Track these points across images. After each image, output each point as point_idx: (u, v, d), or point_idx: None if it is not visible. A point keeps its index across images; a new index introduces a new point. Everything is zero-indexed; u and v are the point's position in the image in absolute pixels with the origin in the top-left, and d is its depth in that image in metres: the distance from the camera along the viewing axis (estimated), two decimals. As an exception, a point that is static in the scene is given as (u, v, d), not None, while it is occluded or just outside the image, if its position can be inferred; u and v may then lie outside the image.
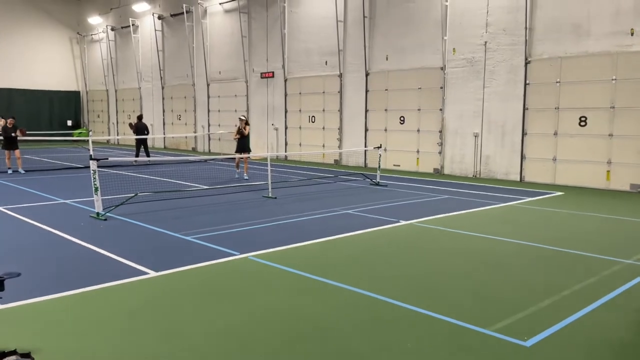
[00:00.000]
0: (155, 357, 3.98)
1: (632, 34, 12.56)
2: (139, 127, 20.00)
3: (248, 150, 15.02)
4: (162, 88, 28.55)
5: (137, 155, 20.02)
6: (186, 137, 26.91)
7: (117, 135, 31.82)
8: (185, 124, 27.30)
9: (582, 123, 13.53)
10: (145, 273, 6.04)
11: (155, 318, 4.75)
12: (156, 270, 6.12)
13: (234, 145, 24.12)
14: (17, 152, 16.02)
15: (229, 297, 5.31)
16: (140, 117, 20.68)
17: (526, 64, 14.43)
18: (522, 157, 14.75)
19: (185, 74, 26.71)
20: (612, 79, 12.95)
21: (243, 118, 14.94)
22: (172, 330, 4.46)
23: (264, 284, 5.73)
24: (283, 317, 4.77)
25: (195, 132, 26.48)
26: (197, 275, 6.03)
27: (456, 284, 5.78)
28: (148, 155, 19.93)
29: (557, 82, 13.92)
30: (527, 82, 14.47)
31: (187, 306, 5.06)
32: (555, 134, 14.02)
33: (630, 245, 7.39)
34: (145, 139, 20.11)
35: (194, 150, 26.87)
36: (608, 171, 13.12)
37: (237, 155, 14.77)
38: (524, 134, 14.66)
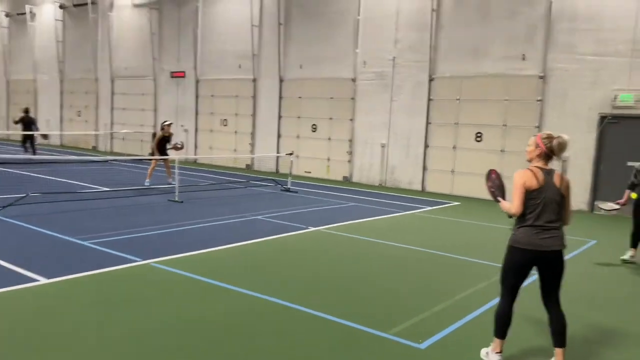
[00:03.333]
0: (43, 370, 3.71)
1: (523, 59, 13.76)
2: (27, 122, 18.64)
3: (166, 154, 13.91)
4: (61, 82, 26.68)
5: (25, 149, 18.71)
6: (86, 135, 25.33)
7: (7, 129, 29.19)
8: (86, 121, 25.70)
9: (478, 138, 14.57)
10: (35, 280, 5.61)
11: (44, 329, 4.43)
12: (47, 277, 5.70)
13: (138, 146, 23.25)
14: None
15: (128, 306, 5.08)
16: (26, 111, 19.33)
17: (430, 81, 15.28)
18: (424, 168, 15.56)
19: (88, 68, 25.18)
20: (505, 99, 14.09)
21: (169, 123, 13.73)
22: (63, 342, 4.18)
23: (166, 292, 5.55)
24: (184, 325, 4.65)
25: (97, 130, 25.00)
26: (94, 283, 5.70)
27: (358, 289, 5.97)
28: (34, 153, 18.56)
29: (457, 100, 14.88)
30: (431, 97, 15.32)
31: (82, 315, 4.77)
32: (454, 147, 14.97)
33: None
34: (32, 135, 18.68)
35: (95, 149, 25.36)
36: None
37: (155, 158, 13.44)
38: (426, 146, 15.49)
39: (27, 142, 18.65)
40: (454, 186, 15.00)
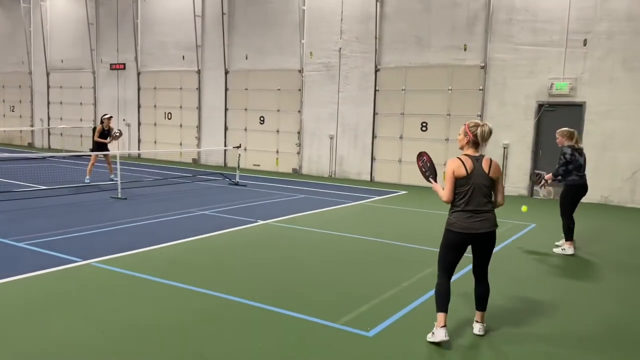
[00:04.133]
0: (-28, 383, 3.48)
1: (465, 49, 14.12)
2: None
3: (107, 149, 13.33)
4: (-8, 75, 25.13)
5: None
6: (21, 131, 24.01)
7: None
8: (20, 116, 24.37)
9: (424, 128, 14.86)
10: (-37, 287, 5.25)
11: (-27, 338, 4.15)
12: (-23, 283, 5.35)
13: (77, 141, 22.25)
14: None
15: (68, 309, 4.84)
16: None
17: (376, 71, 15.43)
18: (372, 158, 15.74)
19: (21, 60, 23.84)
20: (449, 89, 14.42)
21: (109, 116, 13.18)
22: (-5, 351, 3.94)
23: (108, 292, 5.33)
24: (130, 325, 4.48)
25: (32, 125, 23.74)
26: (31, 286, 5.41)
27: (307, 280, 5.96)
28: None
29: (402, 90, 15.11)
30: (377, 88, 15.48)
31: (15, 321, 4.50)
32: (401, 137, 15.21)
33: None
34: None
35: (31, 145, 24.10)
36: (444, 172, 14.55)
37: (95, 154, 12.78)
38: (374, 137, 15.66)
39: None
40: (402, 175, 15.26)
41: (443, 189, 4.42)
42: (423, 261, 6.86)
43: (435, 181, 4.67)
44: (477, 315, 4.57)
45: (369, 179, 15.77)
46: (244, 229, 8.52)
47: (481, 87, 13.93)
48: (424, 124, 14.84)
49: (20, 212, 9.09)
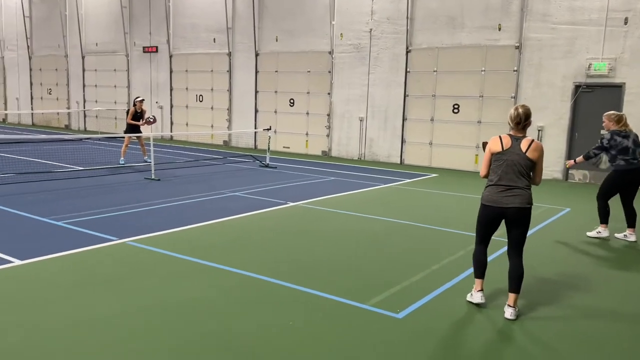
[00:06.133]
0: (20, 351, 3.66)
1: (499, 29, 13.75)
2: None
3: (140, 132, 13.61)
4: (30, 58, 25.83)
5: None
6: (58, 113, 24.69)
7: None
8: (57, 98, 25.02)
9: (455, 110, 14.61)
10: (9, 262, 5.50)
11: (19, 309, 4.35)
12: (21, 259, 5.59)
13: (112, 123, 22.73)
14: None
15: (105, 285, 5.02)
16: None
17: (407, 52, 15.19)
18: (403, 141, 15.59)
19: (57, 44, 24.39)
20: (482, 70, 14.11)
21: (142, 99, 13.44)
22: (39, 322, 4.12)
23: (144, 270, 5.50)
24: (162, 302, 4.62)
25: (68, 108, 24.38)
26: (69, 263, 5.62)
27: (338, 262, 6.01)
28: None
29: (434, 71, 14.85)
30: (408, 69, 15.26)
31: (58, 296, 4.70)
32: (432, 119, 15.00)
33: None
34: None
35: (67, 127, 24.77)
36: (476, 155, 14.34)
37: (128, 135, 13.07)
38: (404, 119, 15.49)
39: None
40: (432, 158, 15.09)
41: None
42: (454, 244, 6.81)
43: None
44: (510, 298, 4.54)
45: (398, 162, 15.66)
46: (273, 210, 8.61)
47: (515, 68, 13.58)
48: (456, 106, 14.59)
49: (58, 192, 9.40)
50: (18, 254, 5.72)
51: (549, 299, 5.01)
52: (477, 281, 4.72)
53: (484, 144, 4.81)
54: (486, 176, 4.64)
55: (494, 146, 4.54)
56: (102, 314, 4.33)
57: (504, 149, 4.48)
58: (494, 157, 4.53)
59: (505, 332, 4.28)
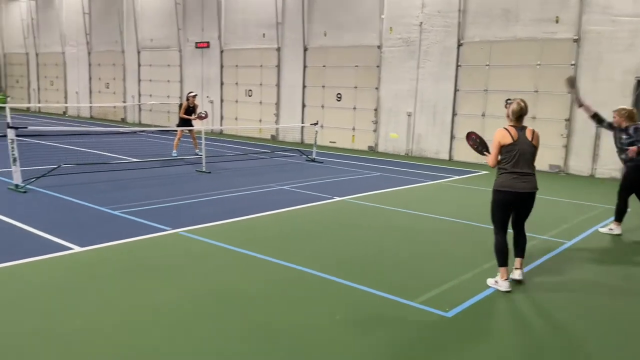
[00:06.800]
0: (80, 334, 3.85)
1: (557, 22, 13.23)
2: None
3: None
4: (89, 54, 26.96)
5: None
6: (115, 107, 25.67)
7: (39, 102, 29.85)
8: (114, 92, 26.02)
9: (509, 106, 14.17)
10: (69, 248, 5.79)
11: (79, 294, 4.58)
12: (81, 246, 5.87)
13: (165, 117, 23.43)
14: None
15: (158, 273, 5.21)
16: None
17: (458, 46, 14.87)
18: (452, 136, 15.30)
19: (114, 40, 25.34)
20: (537, 64, 13.63)
21: (194, 94, 13.78)
22: (98, 307, 4.33)
23: (195, 260, 5.66)
24: (213, 291, 4.74)
25: (124, 101, 25.30)
26: (125, 251, 5.85)
27: (384, 258, 5.98)
28: None
29: (486, 65, 14.47)
30: (459, 64, 14.93)
31: (115, 282, 4.91)
32: (484, 115, 14.64)
33: (546, 222, 7.93)
34: None
35: (124, 120, 25.73)
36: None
37: (181, 129, 13.50)
38: (454, 114, 15.19)
39: None
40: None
41: None
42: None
43: (489, 153, 5.29)
44: (517, 262, 5.18)
45: (447, 158, 15.38)
46: (320, 204, 8.65)
47: (573, 62, 13.04)
48: (509, 102, 14.14)
49: (115, 183, 9.79)
50: (78, 241, 6.01)
51: (554, 275, 4.81)
52: (503, 269, 5.01)
53: (470, 134, 5.53)
54: (494, 166, 5.09)
55: (504, 139, 4.95)
56: (156, 301, 4.49)
57: (515, 139, 4.92)
58: (505, 148, 4.94)
59: (561, 336, 4.15)
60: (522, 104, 5.05)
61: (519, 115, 5.02)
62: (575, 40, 12.95)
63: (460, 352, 3.79)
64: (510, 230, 5.18)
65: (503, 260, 5.01)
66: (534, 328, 4.26)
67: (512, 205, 5.04)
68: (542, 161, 13.77)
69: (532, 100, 13.77)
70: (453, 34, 14.87)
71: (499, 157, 5.03)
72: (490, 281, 5.11)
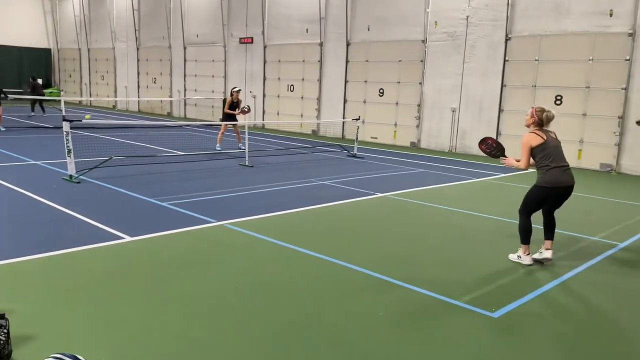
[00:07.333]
0: (127, 321, 4.00)
1: (610, 15, 12.69)
2: (36, 86, 21.98)
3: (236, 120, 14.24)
4: (137, 49, 27.76)
5: (32, 110, 22.02)
6: (161, 101, 26.37)
7: (90, 96, 31.00)
8: (161, 87, 26.71)
9: (558, 102, 13.74)
10: (121, 238, 6.00)
11: (129, 282, 4.75)
12: (131, 235, 6.08)
13: (209, 112, 23.90)
14: None
15: (204, 264, 5.34)
16: (34, 78, 23.59)
17: (506, 40, 14.49)
18: (498, 133, 14.95)
19: (162, 35, 25.99)
20: (589, 59, 13.13)
21: (238, 89, 14.00)
22: (145, 295, 4.48)
23: (239, 252, 5.77)
24: (257, 284, 4.82)
25: (170, 96, 25.95)
26: (173, 241, 6.03)
27: (428, 256, 5.92)
28: (43, 111, 22.03)
29: (535, 60, 14.04)
30: (507, 58, 14.55)
31: (162, 271, 5.07)
32: (531, 111, 14.21)
33: (597, 223, 7.65)
34: (42, 95, 22.41)
35: (170, 115, 26.39)
36: (580, 150, 13.43)
37: (225, 123, 13.73)
38: (500, 110, 14.83)
39: (36, 103, 22.09)
40: (529, 152, 14.31)
41: (517, 161, 5.59)
42: (554, 244, 6.43)
43: (505, 156, 5.81)
44: (549, 243, 5.64)
45: (492, 155, 15.02)
46: (362, 200, 8.64)
47: (628, 57, 12.49)
48: (559, 97, 13.71)
49: (161, 175, 10.07)
50: (128, 231, 6.23)
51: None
52: (527, 247, 5.61)
53: (485, 139, 6.02)
54: (527, 167, 5.52)
55: (534, 140, 5.38)
56: (203, 290, 4.61)
57: (545, 139, 5.35)
58: (538, 148, 5.35)
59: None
60: (553, 112, 5.48)
61: (548, 121, 5.46)
62: (631, 35, 12.39)
63: (506, 354, 3.72)
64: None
65: (528, 239, 5.58)
66: (583, 331, 4.13)
67: (555, 198, 5.46)
68: (593, 159, 13.28)
69: (583, 97, 13.29)
70: (501, 28, 14.50)
71: (536, 158, 5.43)
72: (512, 256, 5.73)
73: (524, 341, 3.91)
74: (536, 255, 5.68)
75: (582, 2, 13.09)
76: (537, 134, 5.40)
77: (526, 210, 5.61)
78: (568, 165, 5.44)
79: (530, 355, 3.73)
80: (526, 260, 5.60)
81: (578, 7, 13.17)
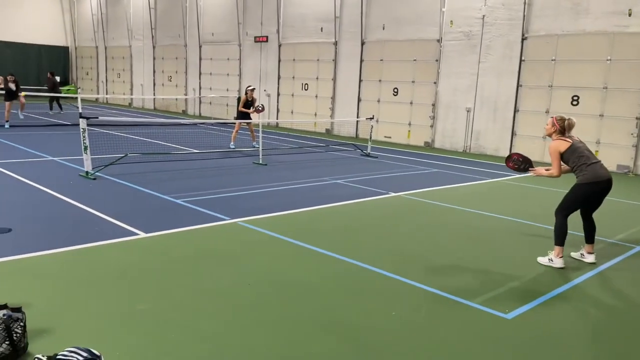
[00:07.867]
0: (143, 315, 4.04)
1: (629, 15, 12.51)
2: (55, 83, 22.42)
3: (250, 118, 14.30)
4: (154, 47, 28.00)
5: (51, 108, 22.17)
6: (177, 99, 26.58)
7: (106, 93, 31.34)
8: (176, 85, 26.92)
9: (575, 102, 13.58)
10: (136, 234, 6.07)
11: (144, 278, 4.81)
12: (146, 232, 6.14)
13: (224, 110, 24.04)
14: (21, 97, 17.20)
15: (218, 260, 5.38)
16: (53, 74, 23.50)
17: (523, 40, 14.35)
18: (513, 133, 14.82)
19: (178, 34, 26.18)
20: (607, 59, 12.95)
21: (253, 88, 14.04)
22: (161, 290, 4.52)
23: (252, 249, 5.80)
24: (270, 282, 4.85)
25: (186, 94, 26.14)
26: (188, 238, 6.08)
27: (441, 256, 5.90)
28: (60, 108, 22.27)
29: (552, 60, 13.90)
30: (523, 58, 14.42)
31: (177, 267, 5.12)
32: (547, 112, 14.08)
33: (614, 225, 7.55)
34: (59, 92, 22.86)
35: (185, 112, 26.59)
36: (597, 151, 13.25)
37: (239, 122, 13.80)
38: (516, 110, 14.71)
39: (53, 102, 22.25)
40: (546, 153, 14.18)
41: (547, 170, 5.64)
42: (568, 244, 6.37)
43: (533, 167, 5.86)
44: (590, 247, 5.68)
45: (507, 155, 14.89)
46: (375, 199, 8.63)
47: (648, 57, 12.30)
48: (575, 98, 13.55)
49: (176, 172, 10.15)
50: (143, 227, 6.29)
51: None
52: (559, 249, 5.48)
53: (511, 155, 6.08)
54: (560, 174, 5.53)
55: (561, 146, 5.45)
56: (217, 286, 4.64)
57: (571, 142, 5.44)
58: (568, 151, 5.40)
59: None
60: (574, 119, 5.59)
61: (570, 128, 5.54)
62: (651, 34, 12.21)
63: (518, 356, 3.70)
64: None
65: (563, 240, 5.48)
66: (598, 333, 4.08)
67: (600, 194, 5.45)
68: (610, 161, 13.10)
69: (601, 97, 13.12)
70: (517, 28, 14.37)
71: (570, 162, 5.45)
72: (542, 260, 5.59)
73: (537, 343, 3.88)
74: (576, 255, 5.77)
75: (600, 1, 12.92)
76: (562, 139, 5.47)
77: (565, 211, 5.56)
78: (601, 163, 5.48)
79: (543, 357, 3.70)
80: (558, 263, 5.48)
81: (596, 7, 13.00)
